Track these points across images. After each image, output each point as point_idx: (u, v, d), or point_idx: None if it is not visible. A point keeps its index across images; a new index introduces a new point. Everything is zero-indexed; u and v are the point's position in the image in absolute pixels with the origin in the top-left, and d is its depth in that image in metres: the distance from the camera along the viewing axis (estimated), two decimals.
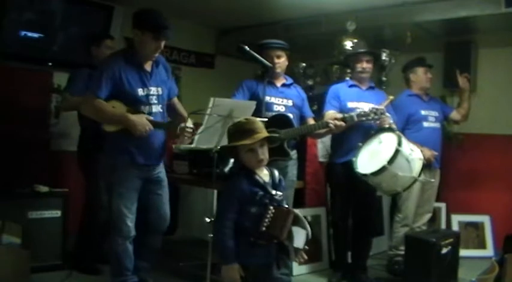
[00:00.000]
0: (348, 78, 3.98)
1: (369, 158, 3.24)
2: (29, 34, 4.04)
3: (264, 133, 2.13)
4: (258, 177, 2.16)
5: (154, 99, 2.79)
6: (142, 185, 2.85)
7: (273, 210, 2.08)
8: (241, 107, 2.55)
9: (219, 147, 2.59)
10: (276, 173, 2.26)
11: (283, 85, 3.41)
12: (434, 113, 4.01)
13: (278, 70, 3.34)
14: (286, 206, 2.17)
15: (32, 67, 4.14)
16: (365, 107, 3.44)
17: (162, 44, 2.75)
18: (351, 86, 3.62)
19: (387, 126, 3.33)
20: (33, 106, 4.12)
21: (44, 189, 3.55)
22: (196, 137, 2.50)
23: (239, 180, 2.15)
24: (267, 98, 3.25)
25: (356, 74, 3.63)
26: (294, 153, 3.39)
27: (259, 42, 3.39)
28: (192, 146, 2.55)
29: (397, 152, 3.05)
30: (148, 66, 2.82)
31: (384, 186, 3.21)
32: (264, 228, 2.05)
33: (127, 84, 2.70)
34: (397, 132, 3.24)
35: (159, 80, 2.85)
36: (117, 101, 2.71)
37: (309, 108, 3.54)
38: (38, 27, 4.09)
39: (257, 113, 2.84)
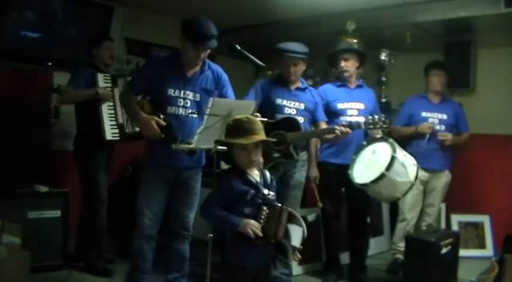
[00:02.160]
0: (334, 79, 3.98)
1: (365, 168, 3.26)
2: (29, 34, 4.05)
3: (260, 135, 2.13)
4: (249, 177, 2.16)
5: (186, 103, 2.81)
6: (171, 187, 2.88)
7: (267, 210, 2.08)
8: (241, 107, 2.54)
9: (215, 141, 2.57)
10: (267, 173, 2.26)
11: (297, 88, 3.35)
12: (441, 116, 4.01)
13: (293, 78, 3.30)
14: (280, 205, 2.16)
15: (32, 67, 4.14)
16: (355, 106, 3.52)
17: (203, 53, 2.78)
18: (339, 86, 3.64)
19: (379, 136, 3.34)
20: (33, 106, 4.12)
21: (44, 189, 3.56)
22: (195, 137, 2.50)
23: (229, 179, 2.15)
24: (279, 101, 3.25)
25: (339, 73, 3.65)
26: (303, 154, 3.35)
27: (278, 46, 3.27)
28: (192, 146, 2.54)
29: (393, 158, 3.09)
30: (190, 72, 2.85)
31: (384, 193, 3.22)
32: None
33: (159, 83, 2.79)
34: (390, 140, 3.25)
35: (199, 87, 2.86)
36: (147, 100, 2.82)
37: (322, 112, 3.44)
38: (38, 27, 4.10)
39: (269, 115, 2.85)
